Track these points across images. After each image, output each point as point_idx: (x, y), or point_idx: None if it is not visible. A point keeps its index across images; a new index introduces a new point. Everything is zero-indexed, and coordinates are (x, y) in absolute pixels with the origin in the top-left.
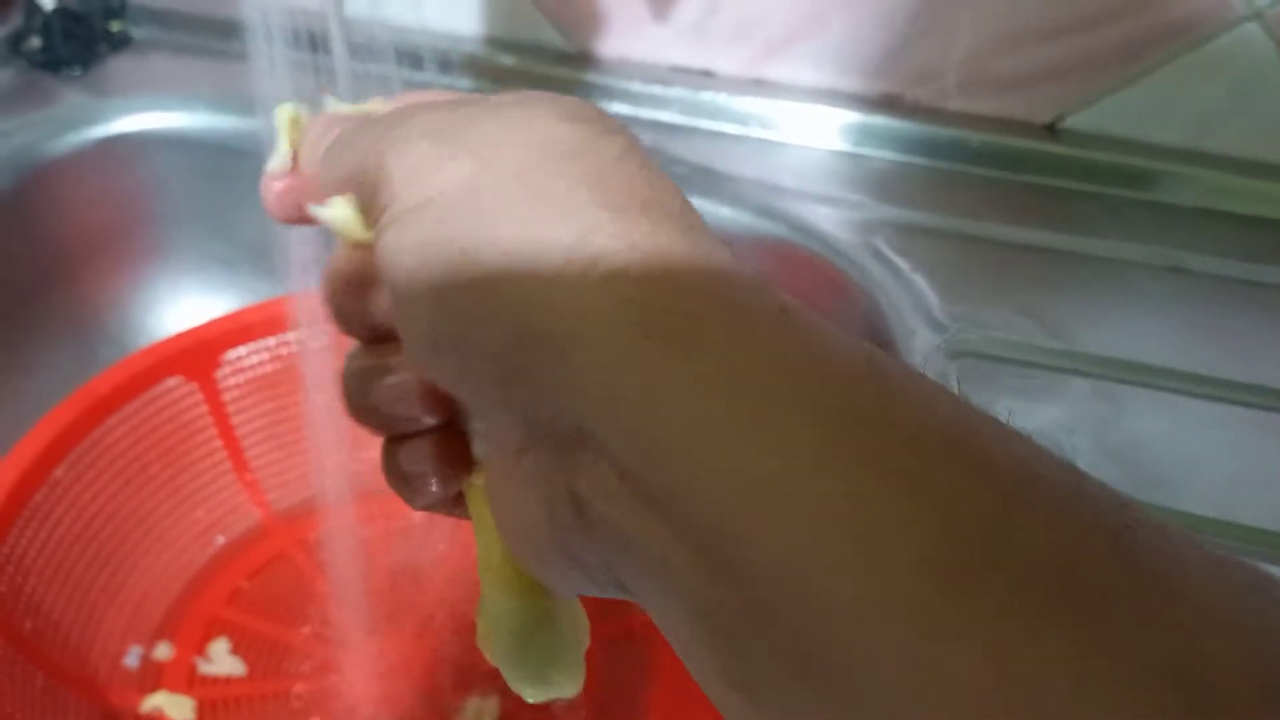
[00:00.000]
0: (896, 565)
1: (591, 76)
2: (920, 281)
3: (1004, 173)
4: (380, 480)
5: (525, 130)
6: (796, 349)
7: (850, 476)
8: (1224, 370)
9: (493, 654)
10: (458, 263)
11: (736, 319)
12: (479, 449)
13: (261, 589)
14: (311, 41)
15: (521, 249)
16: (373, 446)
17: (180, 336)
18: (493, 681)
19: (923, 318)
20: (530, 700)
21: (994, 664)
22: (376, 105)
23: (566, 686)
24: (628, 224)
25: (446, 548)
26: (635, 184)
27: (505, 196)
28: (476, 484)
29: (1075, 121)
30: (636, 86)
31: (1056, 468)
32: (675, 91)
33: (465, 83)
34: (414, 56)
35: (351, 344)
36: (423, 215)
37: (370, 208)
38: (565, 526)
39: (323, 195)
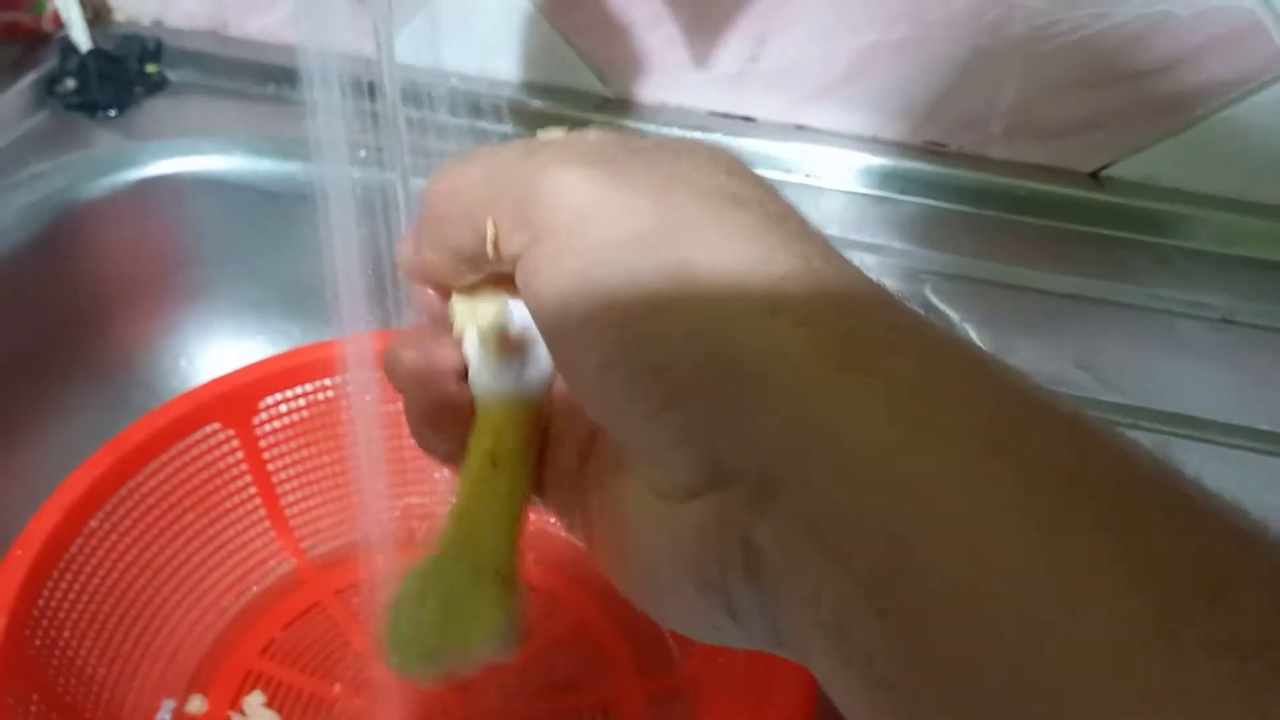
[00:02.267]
0: (1107, 618)
1: (631, 121)
2: (971, 332)
3: (1050, 221)
4: (420, 528)
5: (695, 172)
6: (992, 392)
7: (1052, 528)
8: None
9: (396, 613)
10: (636, 288)
11: (926, 353)
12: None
13: (296, 640)
14: (369, 89)
15: (705, 276)
16: (414, 493)
17: (218, 382)
18: None
19: None
20: (400, 671)
21: None
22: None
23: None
24: (809, 257)
25: None
26: (803, 227)
27: (684, 229)
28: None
29: (1121, 170)
30: (676, 132)
31: (1266, 532)
32: (715, 137)
33: (507, 127)
34: (462, 102)
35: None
36: (589, 243)
37: (508, 232)
38: (731, 573)
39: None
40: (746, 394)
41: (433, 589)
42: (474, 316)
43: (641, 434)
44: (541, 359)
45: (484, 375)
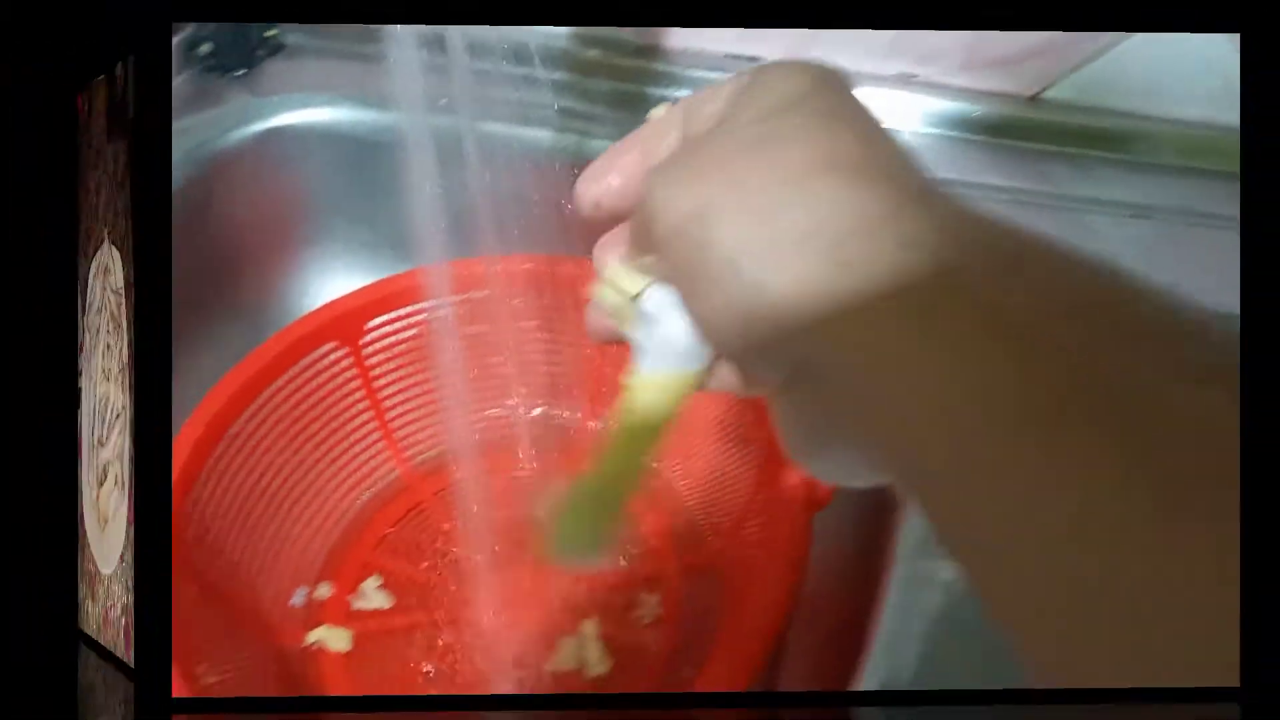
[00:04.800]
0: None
1: (660, 66)
2: None
3: (998, 139)
4: (501, 435)
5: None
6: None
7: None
8: None
9: (561, 520)
10: (729, 269)
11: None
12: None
13: (403, 535)
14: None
15: (761, 240)
16: (495, 405)
17: (330, 305)
18: (595, 607)
19: None
20: (568, 563)
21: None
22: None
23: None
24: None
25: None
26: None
27: (737, 201)
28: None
29: (1056, 93)
30: (697, 73)
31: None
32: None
33: (558, 74)
34: (519, 54)
35: None
36: (686, 234)
37: (641, 248)
38: (815, 428)
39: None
40: (779, 325)
41: (587, 506)
42: (621, 284)
43: (747, 364)
44: (684, 344)
45: (635, 353)
